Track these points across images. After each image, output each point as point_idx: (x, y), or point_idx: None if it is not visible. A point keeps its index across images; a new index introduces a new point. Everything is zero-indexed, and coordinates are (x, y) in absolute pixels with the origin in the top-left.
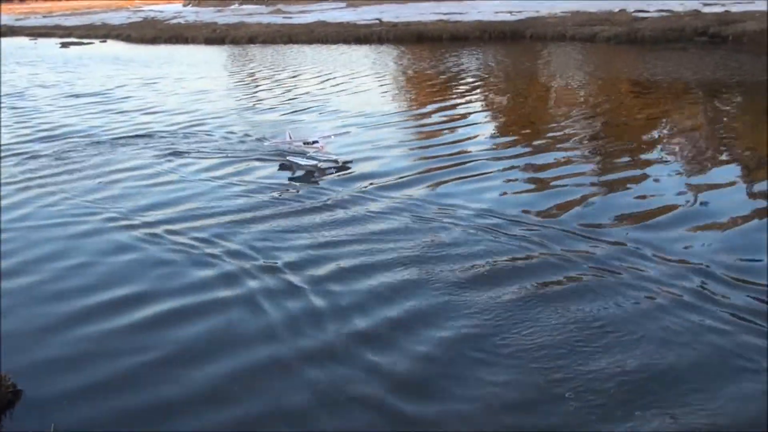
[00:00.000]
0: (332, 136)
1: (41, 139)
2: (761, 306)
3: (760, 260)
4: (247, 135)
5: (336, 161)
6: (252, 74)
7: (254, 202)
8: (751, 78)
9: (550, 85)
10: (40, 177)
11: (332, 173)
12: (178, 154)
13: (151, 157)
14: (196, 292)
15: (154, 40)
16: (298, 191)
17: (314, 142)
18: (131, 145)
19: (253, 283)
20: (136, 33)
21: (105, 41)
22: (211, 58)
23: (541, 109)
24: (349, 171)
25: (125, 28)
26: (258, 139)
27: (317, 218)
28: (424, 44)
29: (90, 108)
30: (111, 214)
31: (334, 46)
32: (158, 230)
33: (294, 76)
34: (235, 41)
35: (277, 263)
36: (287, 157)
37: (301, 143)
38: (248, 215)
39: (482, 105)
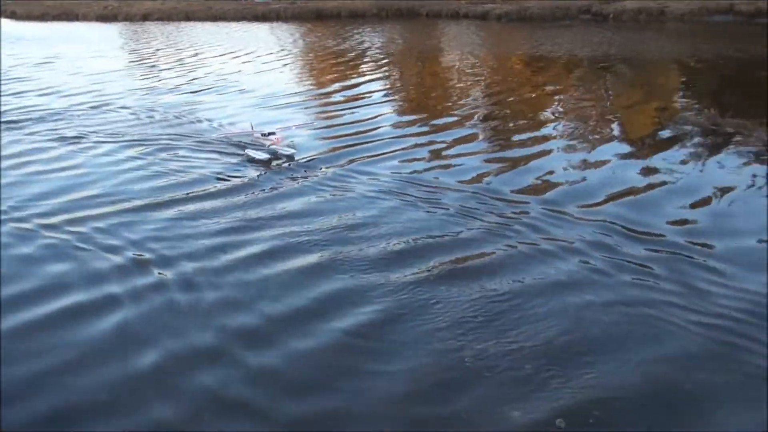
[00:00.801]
0: (293, 127)
1: None
2: (659, 261)
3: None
4: (152, 116)
5: (292, 154)
6: (152, 53)
7: (159, 187)
8: (630, 52)
9: (446, 61)
10: None
11: (286, 165)
12: (78, 137)
13: (49, 140)
14: (85, 290)
15: (42, 17)
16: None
17: (270, 134)
18: (25, 128)
19: (145, 279)
20: (21, 9)
21: None
22: (106, 35)
23: (439, 85)
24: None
25: (10, 4)
26: (175, 120)
27: (225, 202)
28: (323, 21)
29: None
30: None
31: (233, 24)
32: (47, 221)
33: (195, 55)
34: (128, 18)
35: (174, 254)
36: (246, 150)
37: (259, 135)
38: (151, 202)
39: (383, 82)
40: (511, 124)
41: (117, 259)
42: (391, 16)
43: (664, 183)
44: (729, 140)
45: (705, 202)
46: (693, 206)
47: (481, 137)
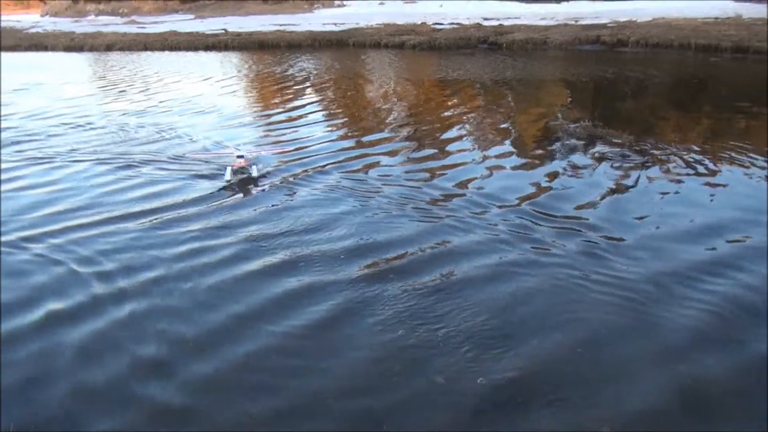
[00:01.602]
0: (263, 152)
1: None
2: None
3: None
4: (125, 136)
5: (257, 176)
6: (120, 79)
7: (131, 200)
8: (520, 74)
9: (370, 83)
10: None
11: (250, 184)
12: (53, 156)
13: (26, 159)
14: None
15: (14, 48)
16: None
17: (240, 157)
18: (6, 149)
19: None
20: None
21: None
22: (75, 65)
23: (364, 103)
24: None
25: None
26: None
27: (190, 213)
28: (265, 51)
29: None
30: None
31: (187, 53)
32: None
33: (160, 80)
34: (93, 48)
35: (137, 263)
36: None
37: (228, 155)
38: (122, 214)
39: (318, 103)
40: (427, 138)
41: (82, 269)
42: (323, 46)
43: (557, 185)
44: (600, 145)
45: (598, 196)
46: (584, 204)
47: (403, 149)
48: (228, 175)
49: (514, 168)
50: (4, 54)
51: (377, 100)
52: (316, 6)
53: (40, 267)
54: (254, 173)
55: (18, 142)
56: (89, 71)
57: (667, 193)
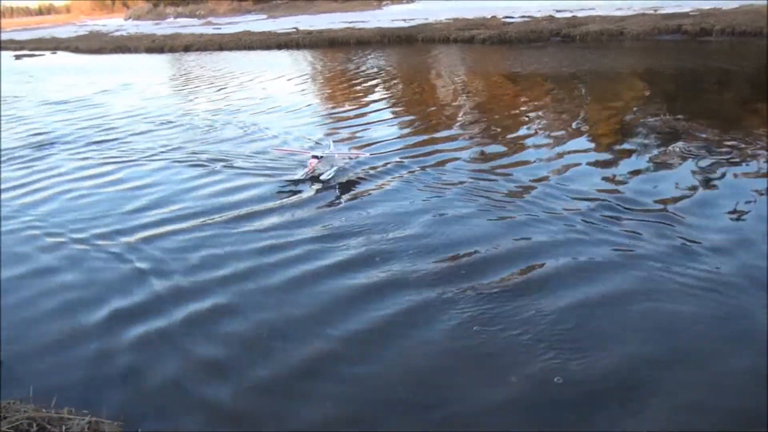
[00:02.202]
0: (337, 154)
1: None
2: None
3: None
4: (216, 133)
5: (329, 177)
6: (198, 78)
7: (222, 204)
8: (595, 67)
9: (440, 79)
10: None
11: (323, 183)
12: (146, 155)
13: (120, 157)
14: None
15: (100, 51)
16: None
17: (315, 157)
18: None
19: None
20: (83, 44)
21: (55, 53)
22: (156, 65)
23: (434, 99)
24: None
25: (74, 41)
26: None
27: (281, 218)
28: (335, 48)
29: (75, 113)
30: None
31: (260, 52)
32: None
33: (234, 79)
34: (173, 50)
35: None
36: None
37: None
38: (206, 216)
39: (387, 99)
40: (499, 133)
41: (168, 268)
42: (392, 42)
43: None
44: (683, 140)
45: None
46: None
47: (474, 144)
48: (303, 174)
49: (590, 164)
50: (92, 56)
51: (447, 95)
52: (385, 3)
53: (112, 265)
54: (327, 174)
55: (104, 141)
56: (171, 71)
57: (758, 190)
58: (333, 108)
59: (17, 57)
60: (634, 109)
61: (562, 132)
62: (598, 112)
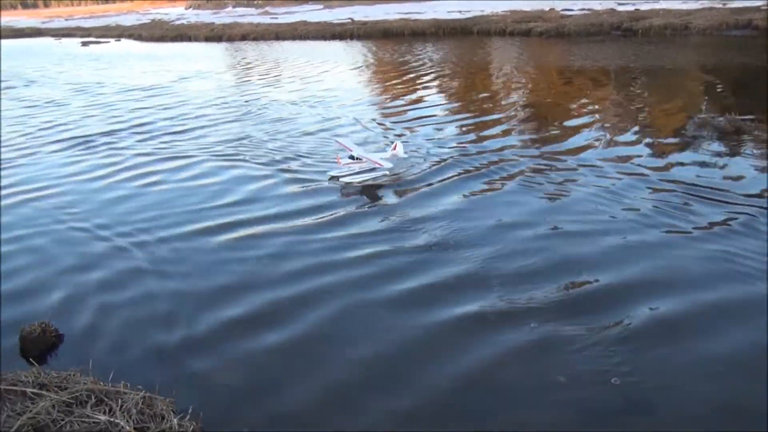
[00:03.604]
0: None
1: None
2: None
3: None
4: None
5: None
6: (266, 69)
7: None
8: (657, 62)
9: (496, 72)
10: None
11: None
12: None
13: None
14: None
15: (161, 39)
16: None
17: (354, 158)
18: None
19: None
20: (146, 33)
21: (119, 40)
22: (214, 54)
23: (489, 92)
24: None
25: (137, 29)
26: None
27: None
28: (389, 39)
29: (153, 101)
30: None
31: (314, 42)
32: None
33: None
34: (230, 38)
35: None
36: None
37: (347, 159)
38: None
39: (443, 94)
40: (554, 129)
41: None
42: (447, 34)
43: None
44: (750, 140)
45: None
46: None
47: (525, 132)
48: (339, 171)
49: (650, 168)
50: (154, 44)
51: (502, 89)
52: None
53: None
54: (353, 178)
55: (198, 128)
56: (232, 60)
57: None
58: (393, 102)
59: (84, 44)
60: (700, 106)
61: (622, 129)
62: (660, 109)
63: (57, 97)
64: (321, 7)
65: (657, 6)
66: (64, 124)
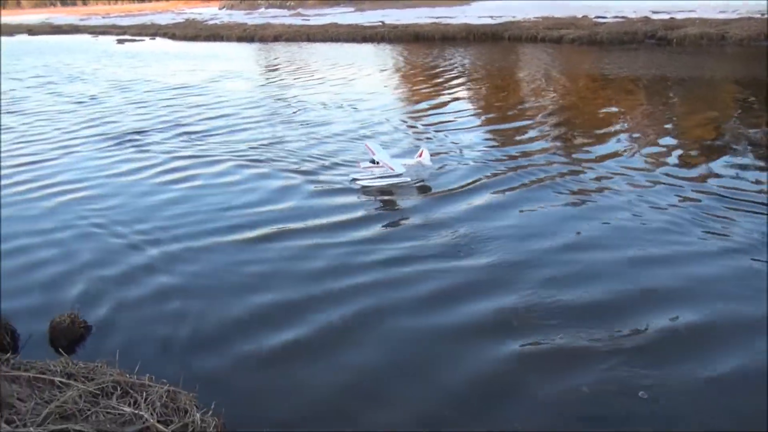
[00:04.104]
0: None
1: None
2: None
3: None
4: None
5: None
6: (301, 70)
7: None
8: (691, 72)
9: (526, 79)
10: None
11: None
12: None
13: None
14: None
15: (194, 38)
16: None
17: (375, 162)
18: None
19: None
20: (180, 32)
21: (154, 39)
22: (247, 54)
23: (518, 98)
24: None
25: (171, 28)
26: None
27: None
28: (420, 43)
29: (187, 100)
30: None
31: (346, 44)
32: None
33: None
34: (262, 39)
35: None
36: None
37: (368, 163)
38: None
39: (471, 95)
40: (583, 136)
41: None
42: (478, 39)
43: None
44: None
45: None
46: None
47: (559, 143)
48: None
49: (682, 178)
50: (187, 43)
51: (533, 95)
52: None
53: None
54: (369, 181)
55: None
56: (265, 60)
57: None
58: (422, 105)
59: (119, 41)
60: (733, 118)
61: (651, 140)
62: (692, 120)
63: (96, 93)
64: (352, 9)
65: (693, 15)
66: (101, 119)
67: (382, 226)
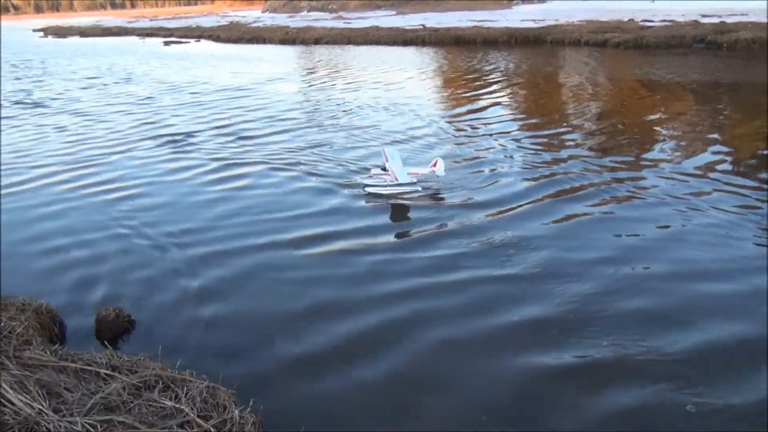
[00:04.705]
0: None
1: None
2: None
3: None
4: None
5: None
6: (343, 73)
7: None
8: (742, 78)
9: (570, 82)
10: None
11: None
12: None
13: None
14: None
15: (238, 40)
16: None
17: (385, 170)
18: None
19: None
20: (224, 34)
21: (199, 41)
22: (289, 55)
23: (561, 103)
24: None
25: (215, 30)
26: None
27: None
28: (461, 46)
29: (235, 103)
30: None
31: (387, 47)
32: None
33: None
34: (304, 42)
35: None
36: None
37: (379, 170)
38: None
39: (512, 99)
40: (628, 143)
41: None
42: (520, 43)
43: None
44: None
45: None
46: None
47: (601, 154)
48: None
49: (732, 184)
50: (231, 45)
51: (576, 100)
52: (515, 2)
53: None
54: (374, 188)
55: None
56: (307, 63)
57: None
58: (464, 108)
59: (166, 43)
60: None
61: (699, 149)
62: (742, 129)
63: (148, 95)
64: (393, 13)
65: (745, 18)
66: (151, 121)
67: (420, 232)
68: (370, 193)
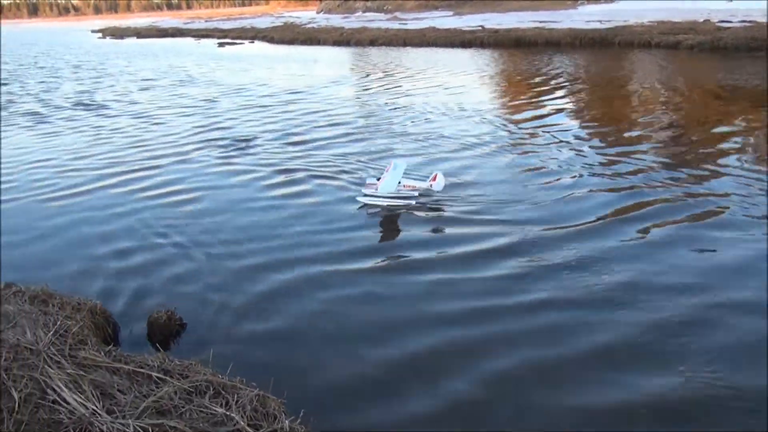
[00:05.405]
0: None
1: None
2: None
3: None
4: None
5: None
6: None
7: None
8: None
9: (639, 87)
10: None
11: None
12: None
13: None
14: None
15: (292, 41)
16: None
17: (378, 180)
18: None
19: None
20: (278, 35)
21: (253, 42)
22: (344, 57)
23: (632, 111)
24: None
25: (269, 31)
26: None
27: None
28: (521, 48)
29: (292, 107)
30: None
31: (443, 49)
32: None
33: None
34: (358, 43)
35: None
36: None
37: (374, 180)
38: None
39: (576, 106)
40: (702, 157)
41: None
42: (585, 45)
43: None
44: None
45: None
46: None
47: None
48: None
49: None
50: (285, 47)
51: (645, 106)
52: (580, 2)
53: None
54: (373, 199)
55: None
56: (364, 65)
57: None
58: (526, 114)
59: (220, 44)
60: None
61: None
62: None
63: (206, 97)
64: (451, 13)
65: None
66: (210, 124)
67: (480, 248)
68: (365, 205)
